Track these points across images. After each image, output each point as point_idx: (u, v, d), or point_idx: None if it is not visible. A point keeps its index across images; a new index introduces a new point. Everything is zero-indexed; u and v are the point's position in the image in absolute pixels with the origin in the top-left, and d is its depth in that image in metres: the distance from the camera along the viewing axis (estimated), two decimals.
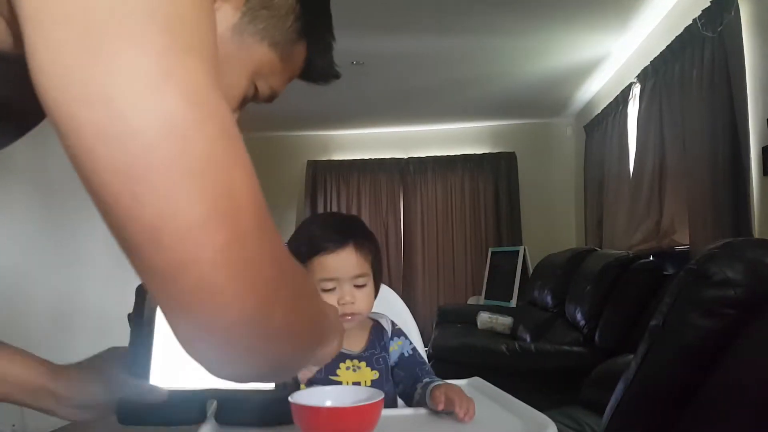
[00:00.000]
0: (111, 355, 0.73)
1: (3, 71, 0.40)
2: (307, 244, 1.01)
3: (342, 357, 1.03)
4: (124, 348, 0.73)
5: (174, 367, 0.71)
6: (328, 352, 0.63)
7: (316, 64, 0.65)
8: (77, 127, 0.31)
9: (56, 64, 0.31)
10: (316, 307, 0.50)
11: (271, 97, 0.64)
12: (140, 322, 0.75)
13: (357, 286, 1.00)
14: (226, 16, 0.54)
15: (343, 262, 0.99)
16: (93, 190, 0.32)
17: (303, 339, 0.45)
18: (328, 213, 5.43)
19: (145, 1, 0.32)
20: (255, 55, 0.58)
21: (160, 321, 0.74)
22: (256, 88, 0.61)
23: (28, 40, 0.31)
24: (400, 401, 1.06)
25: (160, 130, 0.31)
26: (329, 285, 0.99)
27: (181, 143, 0.31)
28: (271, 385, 0.79)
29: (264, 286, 0.35)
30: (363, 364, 1.03)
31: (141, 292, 0.78)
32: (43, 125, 0.42)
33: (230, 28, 0.55)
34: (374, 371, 1.03)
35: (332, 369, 1.01)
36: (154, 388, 0.69)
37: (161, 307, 0.35)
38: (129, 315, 0.76)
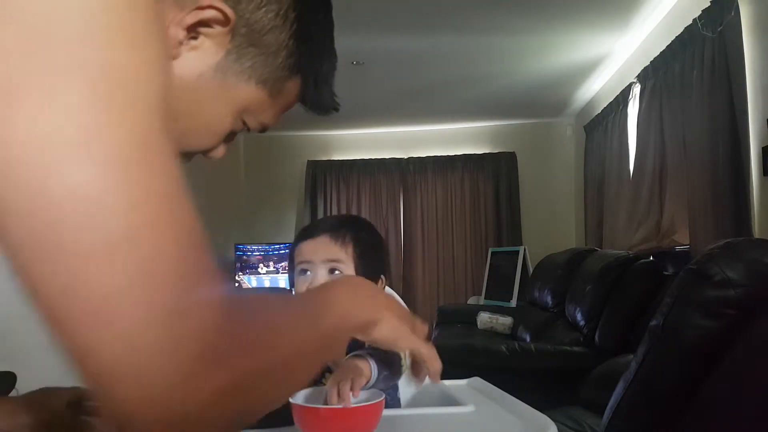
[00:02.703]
0: (44, 392, 0.72)
1: None
2: (294, 239, 1.05)
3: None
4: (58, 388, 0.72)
5: None
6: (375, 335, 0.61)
7: (311, 98, 0.61)
8: None
9: None
10: (296, 347, 0.41)
11: (262, 129, 0.61)
12: None
13: (331, 272, 0.99)
14: (208, 54, 0.51)
15: (316, 247, 1.00)
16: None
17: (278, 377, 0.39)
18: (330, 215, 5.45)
19: (67, 52, 0.28)
20: (241, 95, 0.55)
21: None
22: (244, 122, 0.58)
23: None
24: (402, 401, 1.06)
25: (70, 201, 0.28)
26: (304, 267, 1.00)
27: (91, 215, 0.28)
28: None
29: (192, 364, 0.30)
30: None
31: None
32: None
33: (212, 67, 0.51)
34: None
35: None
36: None
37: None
38: None
